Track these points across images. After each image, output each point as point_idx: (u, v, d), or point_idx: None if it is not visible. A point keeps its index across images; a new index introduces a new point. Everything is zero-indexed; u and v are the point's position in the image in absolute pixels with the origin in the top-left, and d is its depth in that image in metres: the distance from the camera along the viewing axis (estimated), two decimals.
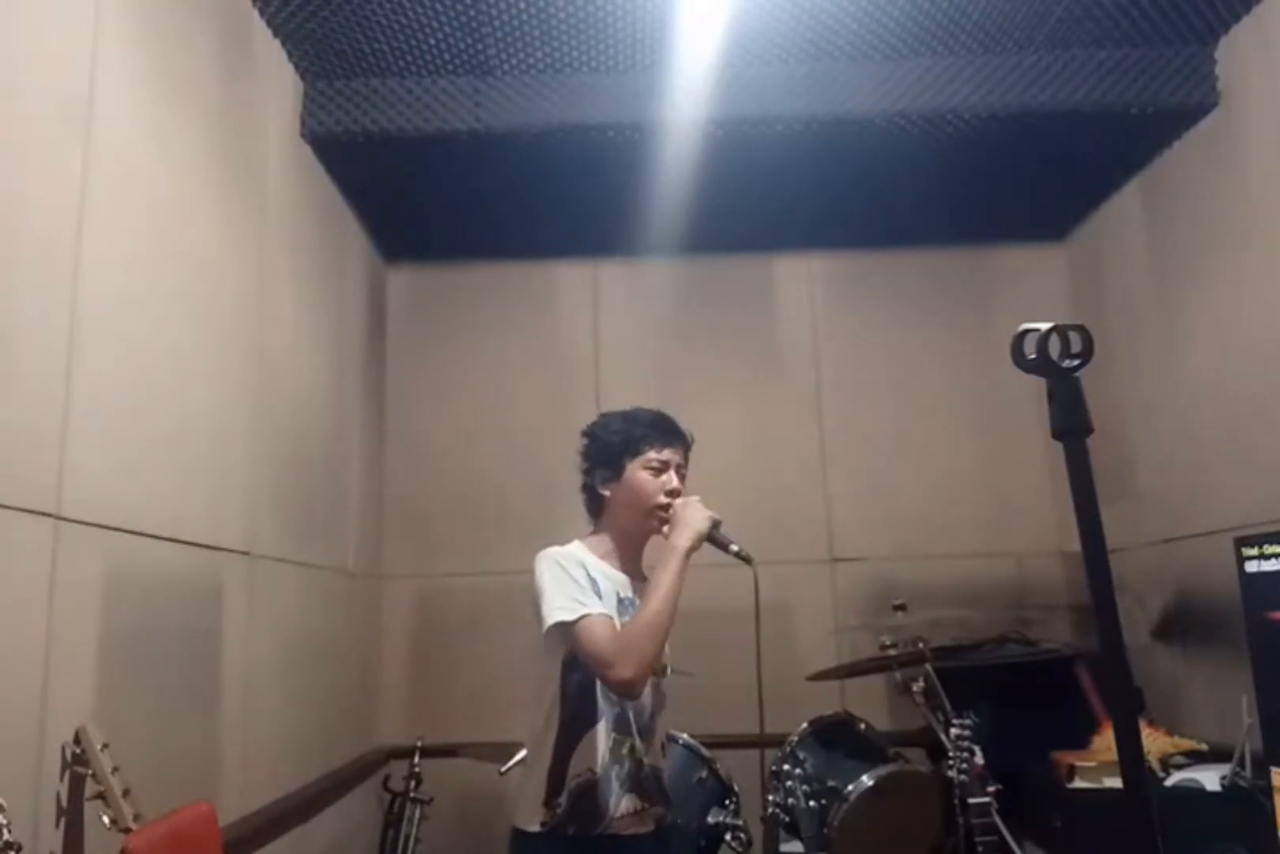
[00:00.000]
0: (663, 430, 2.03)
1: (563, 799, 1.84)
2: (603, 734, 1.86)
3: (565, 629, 1.81)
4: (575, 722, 1.86)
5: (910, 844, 2.79)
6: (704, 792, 2.83)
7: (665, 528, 1.96)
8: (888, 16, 2.77)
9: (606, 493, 2.03)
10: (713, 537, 1.95)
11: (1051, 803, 2.88)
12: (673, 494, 1.99)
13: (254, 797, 2.43)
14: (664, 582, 1.85)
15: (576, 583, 1.86)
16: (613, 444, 2.03)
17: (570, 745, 1.85)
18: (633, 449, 2.01)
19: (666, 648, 1.99)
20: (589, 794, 1.84)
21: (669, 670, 2.06)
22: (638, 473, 2.00)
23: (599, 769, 1.84)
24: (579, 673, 1.85)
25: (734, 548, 1.95)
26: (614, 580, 1.96)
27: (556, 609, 1.82)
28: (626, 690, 1.81)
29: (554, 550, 1.94)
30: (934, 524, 3.77)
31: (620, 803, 1.86)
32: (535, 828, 1.84)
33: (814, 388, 3.93)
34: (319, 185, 3.15)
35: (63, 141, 1.72)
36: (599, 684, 1.85)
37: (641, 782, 1.89)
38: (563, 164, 3.24)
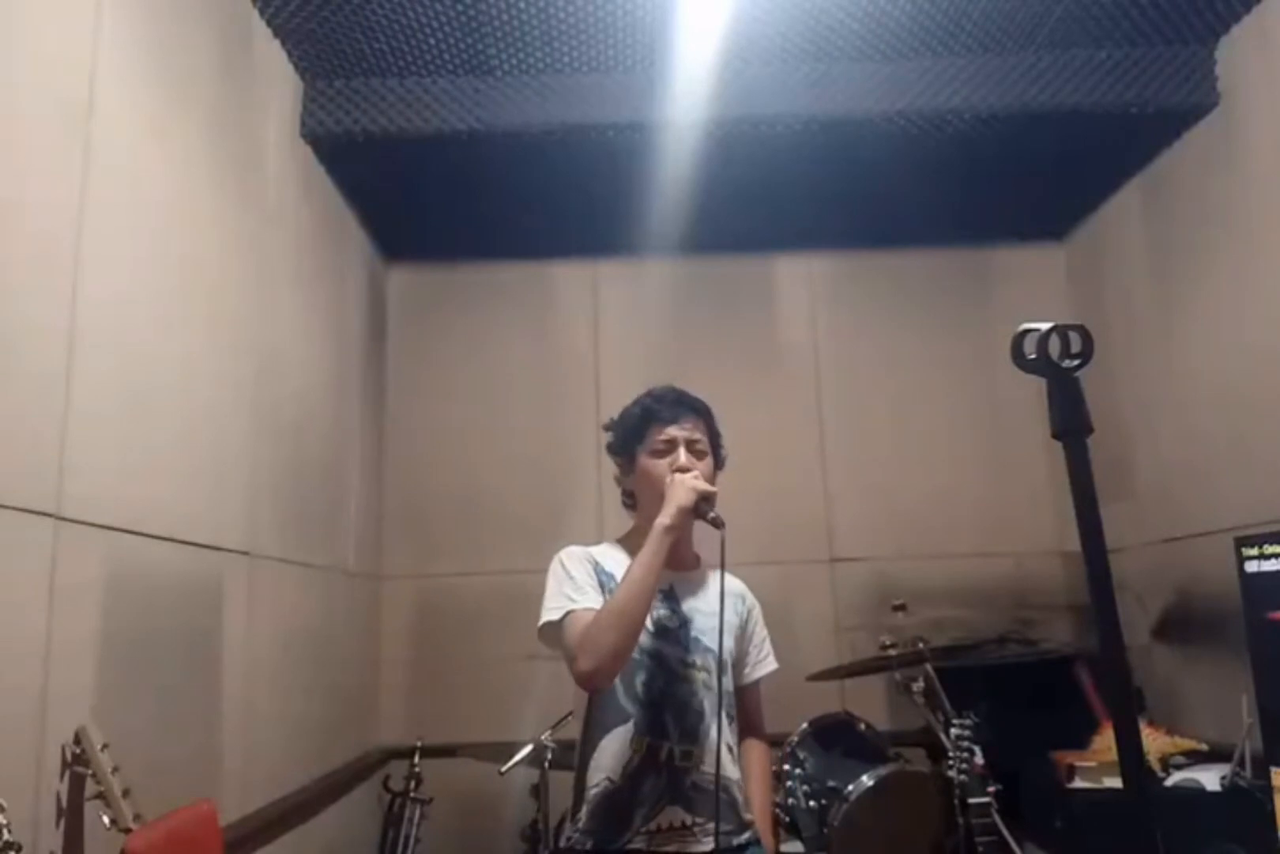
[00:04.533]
0: (665, 405, 1.89)
1: (583, 812, 1.72)
2: (627, 739, 1.73)
3: (553, 628, 1.72)
4: (594, 727, 1.75)
5: (910, 844, 2.79)
6: None
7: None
8: (888, 16, 2.77)
9: (628, 486, 1.94)
10: (699, 509, 1.78)
11: (1051, 803, 2.88)
12: (680, 472, 1.82)
13: (254, 797, 2.43)
14: (636, 568, 1.71)
15: (572, 579, 1.77)
16: (622, 434, 1.93)
17: (589, 753, 1.74)
18: (637, 435, 1.89)
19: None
20: (607, 805, 1.71)
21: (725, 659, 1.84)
22: (646, 460, 1.87)
23: (619, 777, 1.71)
24: None
25: (710, 515, 1.77)
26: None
27: (546, 611, 1.75)
28: (587, 684, 1.69)
29: (567, 548, 1.86)
30: (934, 524, 3.77)
31: (655, 816, 1.71)
32: (562, 843, 1.74)
33: (814, 388, 3.92)
34: (319, 185, 3.15)
35: (63, 141, 1.72)
36: (618, 685, 1.74)
37: (688, 793, 1.73)
38: (562, 164, 3.23)
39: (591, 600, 1.74)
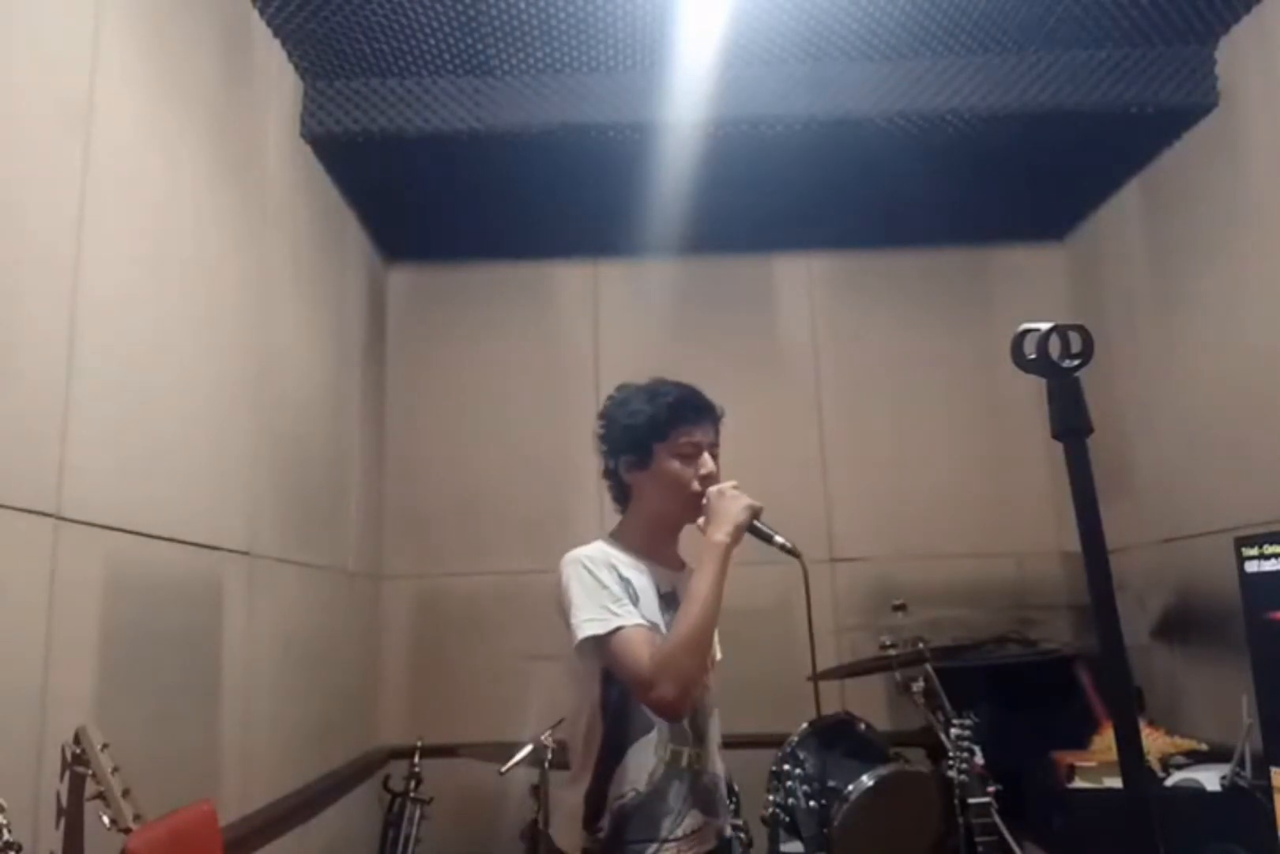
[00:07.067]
0: (691, 408, 1.84)
1: (605, 822, 1.68)
2: (655, 748, 1.70)
3: (598, 643, 1.66)
4: (619, 737, 1.70)
5: (910, 844, 2.79)
6: None
7: (700, 519, 1.79)
8: (888, 16, 2.77)
9: (633, 481, 1.85)
10: (754, 528, 1.79)
11: (1051, 803, 2.88)
12: (708, 480, 1.81)
13: (254, 797, 2.43)
14: (703, 586, 1.69)
15: (607, 589, 1.69)
16: (636, 427, 1.82)
17: (613, 763, 1.69)
18: (659, 433, 1.80)
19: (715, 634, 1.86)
20: (636, 816, 1.67)
21: (717, 657, 1.89)
22: (667, 461, 1.81)
23: (645, 787, 1.68)
24: (620, 684, 1.69)
25: (778, 540, 1.82)
26: (651, 576, 1.80)
27: (587, 622, 1.66)
28: (669, 712, 1.66)
29: (580, 552, 1.76)
30: (934, 524, 3.77)
31: (680, 823, 1.70)
32: (583, 844, 1.69)
33: (814, 388, 3.92)
34: (319, 185, 3.15)
35: (63, 141, 1.72)
36: None
37: (703, 794, 1.74)
38: (562, 164, 3.24)
39: (634, 615, 1.69)
